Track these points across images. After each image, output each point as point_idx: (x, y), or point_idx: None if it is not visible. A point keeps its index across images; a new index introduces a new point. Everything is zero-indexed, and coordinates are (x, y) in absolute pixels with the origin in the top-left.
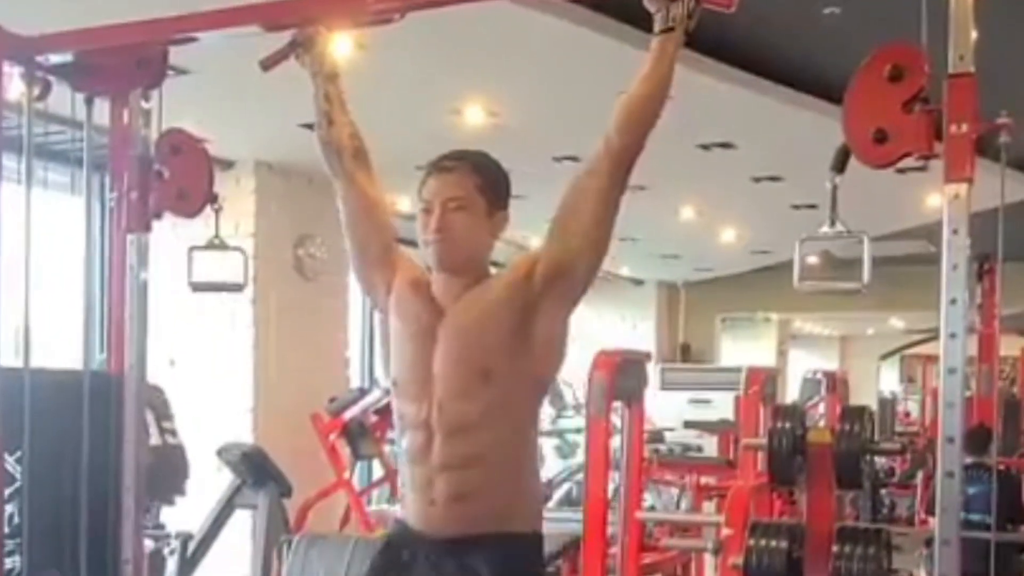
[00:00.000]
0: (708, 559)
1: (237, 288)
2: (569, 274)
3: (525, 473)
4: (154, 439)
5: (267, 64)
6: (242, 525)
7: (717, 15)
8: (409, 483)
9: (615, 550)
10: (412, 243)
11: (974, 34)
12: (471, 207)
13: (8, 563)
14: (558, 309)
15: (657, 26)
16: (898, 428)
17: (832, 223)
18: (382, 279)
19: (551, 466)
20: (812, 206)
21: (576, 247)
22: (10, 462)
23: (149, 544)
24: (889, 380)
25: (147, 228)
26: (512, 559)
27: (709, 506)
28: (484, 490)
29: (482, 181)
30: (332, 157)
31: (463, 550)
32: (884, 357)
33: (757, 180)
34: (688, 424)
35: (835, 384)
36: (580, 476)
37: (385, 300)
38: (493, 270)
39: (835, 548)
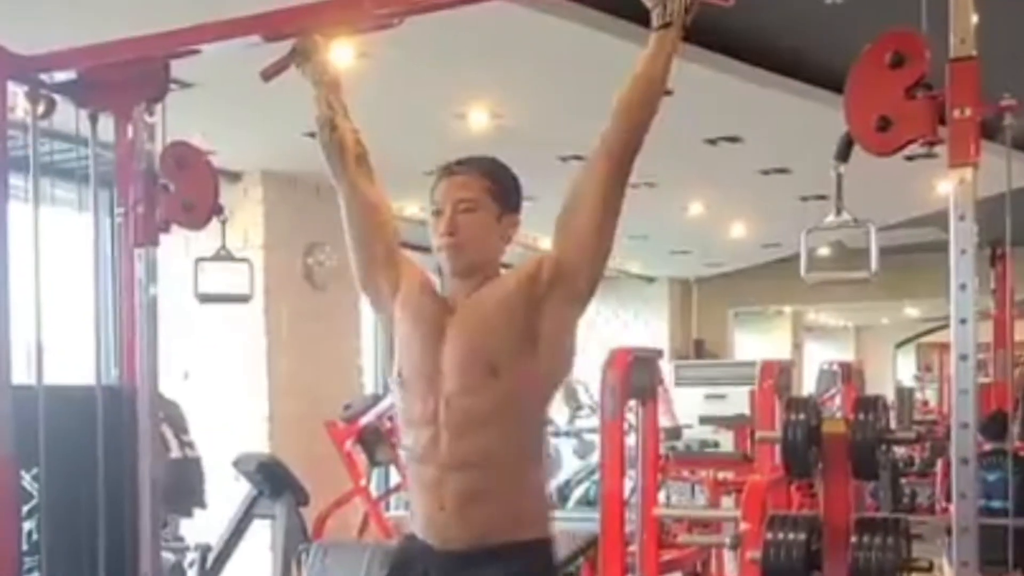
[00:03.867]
0: (727, 554)
1: (244, 299)
2: (572, 276)
3: (533, 474)
4: (172, 452)
5: (268, 74)
6: (261, 535)
7: (717, 8)
8: (417, 485)
9: (634, 548)
10: (416, 247)
11: (974, 18)
12: (481, 209)
13: None
14: (564, 310)
15: (655, 22)
16: (916, 416)
17: (838, 212)
18: (387, 281)
19: (569, 466)
20: (821, 197)
21: (578, 249)
22: (27, 479)
23: (169, 557)
24: (906, 369)
25: (155, 242)
26: (526, 570)
27: (728, 501)
28: (493, 490)
29: (492, 184)
30: (335, 162)
31: (475, 563)
32: (899, 346)
33: (765, 173)
34: (704, 420)
35: (851, 375)
36: (597, 476)
37: (390, 302)
38: (503, 271)
39: (853, 539)
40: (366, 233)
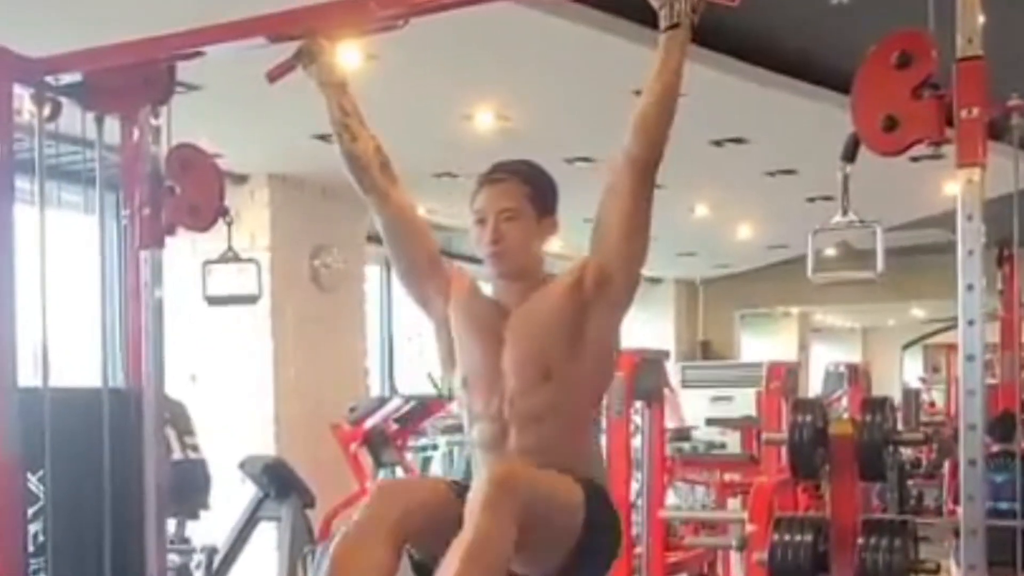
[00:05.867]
0: (734, 556)
1: (252, 300)
2: (612, 282)
3: (590, 457)
4: (177, 454)
5: (273, 75)
6: (267, 537)
7: (723, 9)
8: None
9: (640, 550)
10: None
11: (981, 17)
12: (522, 216)
13: None
14: (608, 314)
15: (662, 23)
16: (923, 418)
17: (844, 213)
18: (436, 289)
19: None
20: (828, 198)
21: (613, 259)
22: (33, 481)
23: (175, 559)
24: (913, 370)
25: (160, 244)
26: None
27: (734, 503)
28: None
29: (531, 190)
30: (360, 173)
31: None
32: (906, 347)
33: (771, 174)
34: (710, 421)
35: (857, 376)
36: None
37: (443, 309)
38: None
39: (860, 541)
40: (405, 242)
